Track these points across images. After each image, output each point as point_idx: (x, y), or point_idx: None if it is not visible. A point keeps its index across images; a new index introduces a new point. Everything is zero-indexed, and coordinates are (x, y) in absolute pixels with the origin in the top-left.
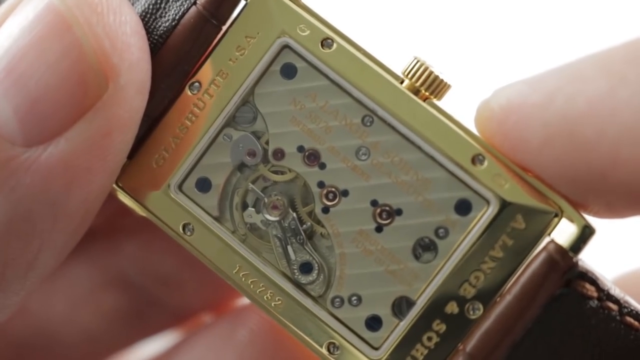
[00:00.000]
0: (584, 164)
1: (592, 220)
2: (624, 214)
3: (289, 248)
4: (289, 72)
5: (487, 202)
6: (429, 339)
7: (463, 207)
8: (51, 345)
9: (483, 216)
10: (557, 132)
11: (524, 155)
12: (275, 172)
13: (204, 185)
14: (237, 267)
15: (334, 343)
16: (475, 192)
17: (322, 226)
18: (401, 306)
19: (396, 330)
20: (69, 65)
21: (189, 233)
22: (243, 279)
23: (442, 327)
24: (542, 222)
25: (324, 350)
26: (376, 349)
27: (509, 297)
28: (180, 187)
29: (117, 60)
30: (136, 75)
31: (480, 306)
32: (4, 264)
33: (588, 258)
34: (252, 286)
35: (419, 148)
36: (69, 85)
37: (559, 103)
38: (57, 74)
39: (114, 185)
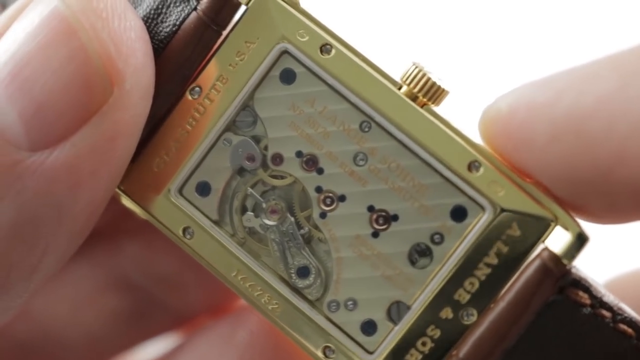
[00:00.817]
0: (590, 160)
1: (588, 227)
2: (627, 216)
3: (287, 252)
4: (288, 77)
5: (483, 208)
6: (424, 344)
7: (459, 214)
8: (54, 347)
9: (478, 223)
10: (564, 130)
11: (528, 154)
12: (274, 177)
13: (204, 189)
14: (236, 271)
15: (329, 347)
16: (471, 198)
17: (320, 231)
18: (396, 311)
19: (391, 334)
20: (74, 70)
21: (188, 237)
22: (241, 282)
23: (437, 333)
24: (536, 229)
25: (319, 354)
26: (371, 353)
27: (502, 304)
28: (180, 190)
29: (122, 65)
30: (141, 80)
31: (475, 312)
32: (9, 266)
33: (584, 261)
34: (250, 289)
35: (416, 154)
36: (74, 90)
37: (567, 101)
38: (62, 79)
39: (116, 189)
